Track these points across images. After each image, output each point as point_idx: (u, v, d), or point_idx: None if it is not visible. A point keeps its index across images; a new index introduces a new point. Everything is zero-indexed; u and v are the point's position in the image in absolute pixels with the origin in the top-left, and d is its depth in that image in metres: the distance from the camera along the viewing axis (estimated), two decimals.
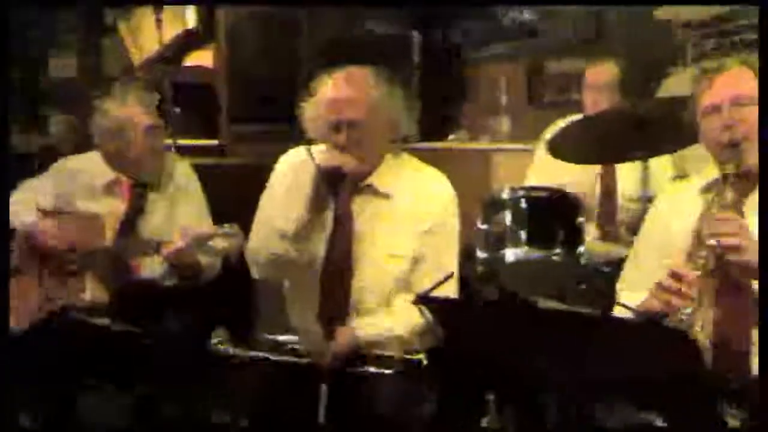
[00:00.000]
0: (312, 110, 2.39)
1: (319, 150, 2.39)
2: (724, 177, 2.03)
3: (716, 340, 1.96)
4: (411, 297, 2.31)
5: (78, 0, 4.54)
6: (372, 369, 2.29)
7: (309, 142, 2.39)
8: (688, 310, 1.90)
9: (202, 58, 4.78)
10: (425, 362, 2.30)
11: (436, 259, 2.40)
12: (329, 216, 2.37)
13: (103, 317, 2.40)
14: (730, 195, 2.00)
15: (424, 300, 1.85)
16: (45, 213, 2.86)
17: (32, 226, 2.76)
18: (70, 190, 2.94)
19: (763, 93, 2.00)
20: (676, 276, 1.94)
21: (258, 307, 3.18)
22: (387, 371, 2.28)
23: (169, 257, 2.67)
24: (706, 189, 2.11)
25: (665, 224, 2.17)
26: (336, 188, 2.30)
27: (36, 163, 3.41)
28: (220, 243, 2.58)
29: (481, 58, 4.34)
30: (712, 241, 1.93)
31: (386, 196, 2.42)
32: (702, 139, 2.11)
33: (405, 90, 2.46)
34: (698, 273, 1.93)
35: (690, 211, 2.10)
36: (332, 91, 2.36)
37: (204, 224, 2.89)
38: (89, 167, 2.98)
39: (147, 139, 2.87)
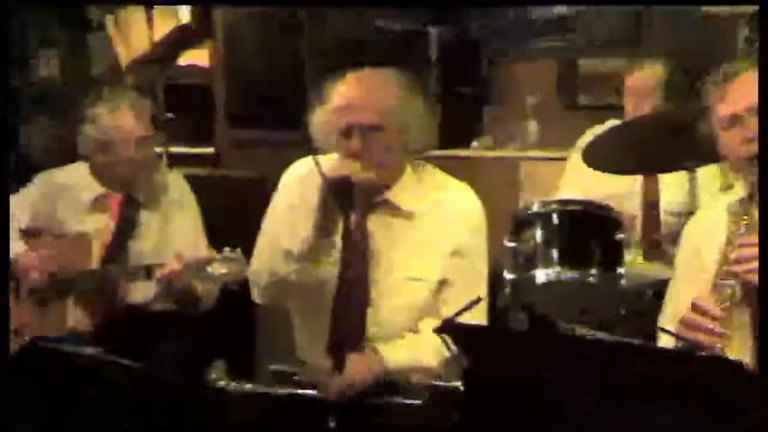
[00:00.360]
0: (321, 115, 2.40)
1: (329, 159, 2.39)
2: (750, 195, 2.00)
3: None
4: (438, 322, 2.34)
5: None
6: (396, 399, 2.28)
7: (317, 151, 2.39)
8: (718, 348, 1.86)
9: (197, 57, 4.79)
10: (461, 389, 2.29)
11: (464, 283, 2.41)
12: (340, 235, 2.36)
13: (87, 347, 2.41)
14: (756, 214, 1.96)
15: (447, 327, 1.84)
16: (26, 234, 2.87)
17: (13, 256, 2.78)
18: (53, 207, 2.97)
19: (763, 93, 2.01)
20: (699, 310, 1.91)
21: (260, 335, 3.19)
22: (414, 402, 2.27)
23: (163, 280, 2.67)
24: (734, 208, 2.07)
25: (695, 248, 2.15)
26: (346, 202, 2.28)
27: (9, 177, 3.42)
28: (219, 269, 2.59)
29: (507, 57, 4.33)
30: (737, 268, 1.90)
31: (406, 214, 2.43)
32: (723, 153, 2.09)
33: (423, 93, 2.47)
34: (726, 304, 1.90)
35: (718, 234, 2.07)
36: (343, 93, 2.36)
37: (200, 244, 2.91)
38: (75, 181, 3.00)
39: (139, 151, 2.88)
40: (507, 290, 2.71)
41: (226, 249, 2.63)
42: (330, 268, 2.36)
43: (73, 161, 3.05)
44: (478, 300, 2.17)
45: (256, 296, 2.50)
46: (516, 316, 2.69)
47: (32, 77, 4.66)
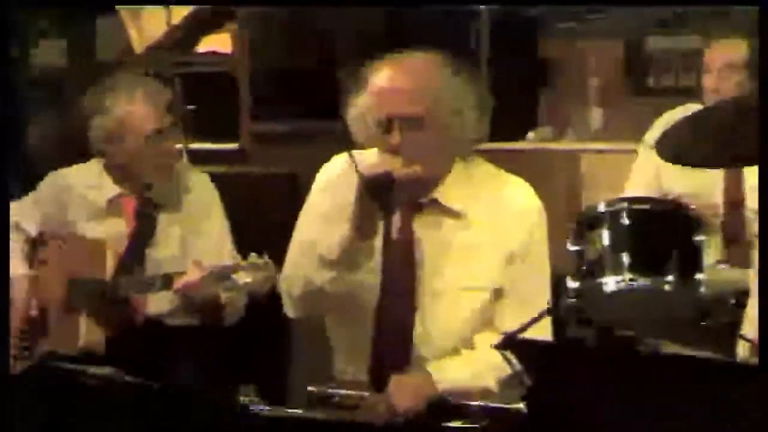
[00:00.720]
0: (357, 105, 2.40)
1: (367, 155, 2.39)
2: None
3: None
4: (495, 336, 2.31)
5: None
6: (451, 424, 2.26)
7: (353, 145, 2.38)
8: None
9: (218, 42, 4.81)
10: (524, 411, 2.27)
11: (523, 292, 2.40)
12: (382, 239, 2.35)
13: (100, 365, 2.42)
14: None
15: (509, 343, 1.82)
16: (35, 244, 2.89)
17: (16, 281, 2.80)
18: (64, 210, 2.99)
19: (763, 93, 2.05)
20: None
21: (293, 352, 3.19)
22: (471, 426, 2.26)
23: (181, 292, 2.68)
24: None
25: None
26: (387, 202, 2.27)
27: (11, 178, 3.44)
28: (244, 278, 2.60)
29: (567, 35, 4.30)
30: None
31: (457, 214, 2.42)
32: None
33: (473, 78, 2.45)
34: None
35: None
36: (384, 80, 2.35)
37: (225, 250, 2.92)
38: (87, 181, 3.02)
39: (155, 146, 2.88)
40: (570, 300, 2.68)
41: (253, 255, 2.63)
42: (371, 277, 2.35)
43: (85, 159, 3.06)
44: (547, 312, 2.14)
45: (288, 308, 2.49)
46: (581, 329, 2.68)
47: (35, 65, 4.71)
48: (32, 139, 4.36)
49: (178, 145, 3.24)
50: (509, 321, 2.36)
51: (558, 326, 2.64)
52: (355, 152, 2.34)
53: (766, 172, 2.01)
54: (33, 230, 2.98)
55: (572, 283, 2.75)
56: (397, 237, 2.38)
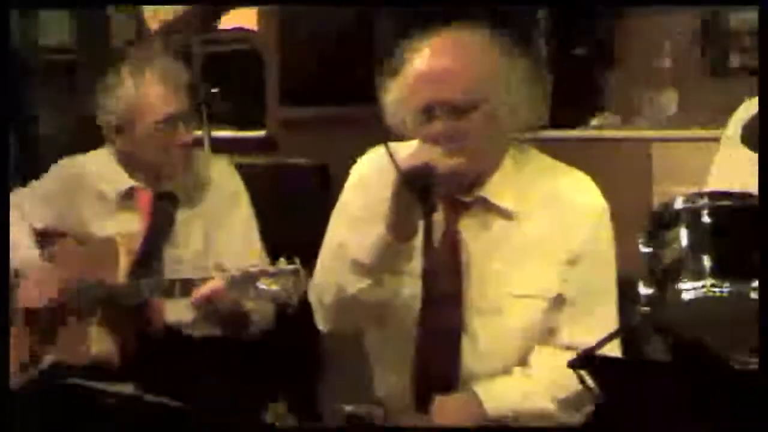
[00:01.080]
0: (395, 90, 2.38)
1: (407, 146, 2.37)
2: None
3: None
4: (554, 351, 2.33)
5: None
6: None
7: (390, 136, 2.36)
8: None
9: (244, 17, 4.82)
10: None
11: (587, 299, 2.38)
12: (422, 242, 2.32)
13: (111, 381, 2.42)
14: None
15: (585, 362, 1.82)
16: (41, 237, 2.90)
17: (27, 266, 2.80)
18: (73, 203, 3.01)
19: (763, 92, 2.08)
20: None
21: (327, 367, 3.18)
22: None
23: (200, 303, 2.68)
24: None
25: None
26: (427, 199, 2.24)
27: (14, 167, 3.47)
28: (272, 285, 2.60)
29: (635, 9, 4.26)
30: None
31: (507, 213, 2.41)
32: None
33: (528, 57, 2.43)
34: None
35: None
36: (426, 61, 2.33)
37: (253, 253, 2.93)
38: (98, 171, 3.03)
39: (167, 133, 2.88)
40: (643, 309, 2.65)
41: (282, 259, 2.62)
42: (411, 284, 2.34)
43: (96, 146, 3.07)
44: (619, 331, 2.11)
45: (319, 320, 2.48)
46: (655, 341, 2.64)
47: (40, 44, 4.74)
48: (40, 127, 4.38)
49: (197, 132, 3.26)
50: (571, 333, 2.36)
51: (628, 338, 2.62)
52: (392, 144, 2.31)
53: (766, 171, 1.97)
54: (38, 223, 3.00)
55: (645, 290, 2.72)
56: (440, 240, 2.37)
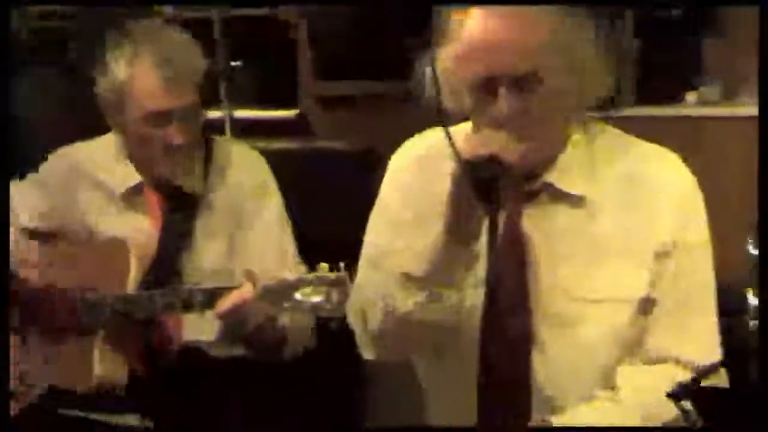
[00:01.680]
0: (448, 63, 2.34)
1: (462, 132, 2.34)
2: None
3: None
4: (644, 369, 2.34)
5: None
6: None
7: (442, 117, 2.35)
8: None
9: None
10: None
11: (680, 298, 2.37)
12: (490, 243, 2.31)
13: (116, 409, 2.44)
14: None
15: (687, 393, 1.83)
16: (36, 238, 2.96)
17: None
18: (74, 199, 3.03)
19: (764, 93, 2.18)
20: None
21: (373, 393, 3.19)
22: None
23: (227, 314, 2.69)
24: None
25: None
26: (494, 194, 2.20)
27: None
28: (312, 296, 2.61)
29: None
30: None
31: (578, 201, 2.39)
32: None
33: (600, 21, 2.39)
34: None
35: None
36: (482, 30, 2.30)
37: (286, 259, 2.95)
38: (102, 161, 3.06)
39: (156, 130, 2.88)
40: (751, 322, 2.63)
41: (323, 265, 2.63)
42: (472, 294, 2.31)
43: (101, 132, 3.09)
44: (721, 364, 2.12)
45: (362, 346, 2.46)
46: None
47: (34, 14, 4.78)
48: (33, 109, 4.42)
49: (219, 113, 3.22)
50: (662, 343, 2.35)
51: (735, 357, 2.60)
52: (449, 128, 2.29)
53: (766, 170, 2.01)
54: (31, 222, 3.04)
55: (754, 300, 2.70)
56: (501, 240, 2.31)
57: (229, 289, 2.72)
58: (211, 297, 2.74)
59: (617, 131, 2.46)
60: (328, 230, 3.14)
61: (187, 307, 2.80)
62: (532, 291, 2.36)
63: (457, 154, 2.22)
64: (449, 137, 2.22)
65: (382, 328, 2.39)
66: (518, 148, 2.25)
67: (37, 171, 3.12)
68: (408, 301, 2.33)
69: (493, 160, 2.20)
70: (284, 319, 2.81)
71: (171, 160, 2.92)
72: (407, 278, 2.32)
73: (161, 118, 2.88)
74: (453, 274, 2.31)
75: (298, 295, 2.64)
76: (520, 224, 2.38)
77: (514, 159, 2.22)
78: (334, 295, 2.62)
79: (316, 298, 2.62)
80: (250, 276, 2.70)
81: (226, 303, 2.71)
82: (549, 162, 2.38)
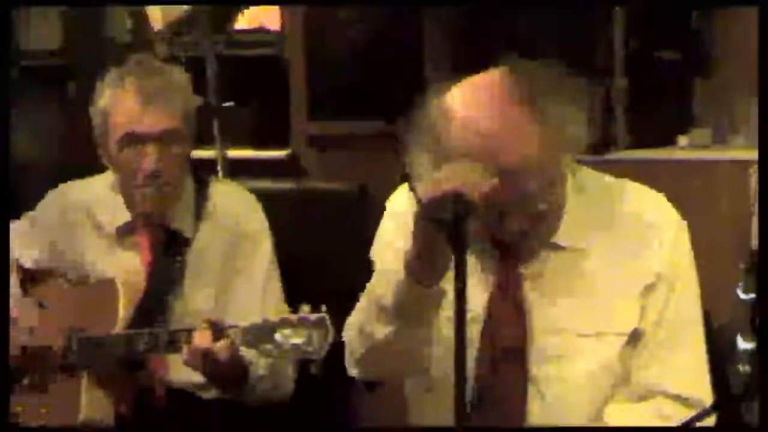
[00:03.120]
0: (427, 145, 2.33)
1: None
2: None
3: None
4: (632, 407, 2.35)
5: None
6: None
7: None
8: None
9: (265, 16, 4.84)
10: None
11: (667, 330, 2.38)
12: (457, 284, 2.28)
13: None
14: None
15: None
16: (29, 276, 2.93)
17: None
18: (71, 238, 3.02)
19: (763, 92, 2.24)
20: None
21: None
22: None
23: (190, 360, 2.68)
24: None
25: None
26: (460, 238, 2.12)
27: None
28: (293, 338, 2.59)
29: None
30: None
31: (572, 248, 2.41)
32: None
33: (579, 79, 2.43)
34: None
35: None
36: (466, 124, 2.28)
37: (270, 299, 2.93)
38: (98, 199, 3.05)
39: (132, 157, 2.87)
40: (742, 367, 2.62)
41: (305, 308, 2.61)
42: (450, 326, 2.24)
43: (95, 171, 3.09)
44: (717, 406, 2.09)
45: (348, 363, 2.47)
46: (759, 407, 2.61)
47: (24, 48, 4.77)
48: (26, 144, 4.40)
49: (211, 152, 3.18)
50: (650, 374, 2.36)
51: (726, 401, 2.58)
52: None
53: (766, 171, 2.09)
54: (28, 261, 3.02)
55: (746, 345, 2.69)
56: (497, 278, 2.38)
57: (189, 331, 2.70)
58: (174, 340, 2.72)
59: (599, 174, 2.48)
60: (317, 270, 3.12)
61: (153, 349, 2.77)
62: (527, 326, 2.37)
63: (417, 197, 2.20)
64: (411, 184, 2.25)
65: (361, 352, 2.41)
66: (489, 181, 2.19)
67: (36, 209, 3.12)
68: (382, 330, 2.33)
69: (455, 196, 2.14)
70: (260, 362, 2.78)
71: (151, 190, 2.90)
72: (381, 308, 2.32)
73: (137, 140, 2.87)
74: (418, 312, 2.30)
75: (278, 337, 2.61)
76: (517, 271, 2.39)
77: (479, 194, 2.17)
78: (315, 337, 2.59)
79: (297, 340, 2.60)
80: (209, 324, 2.68)
81: (191, 346, 2.68)
82: (552, 220, 2.38)
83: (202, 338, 2.66)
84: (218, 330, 2.66)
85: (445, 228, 2.13)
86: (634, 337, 2.37)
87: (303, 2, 4.55)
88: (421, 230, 2.20)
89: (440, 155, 2.28)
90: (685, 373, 2.37)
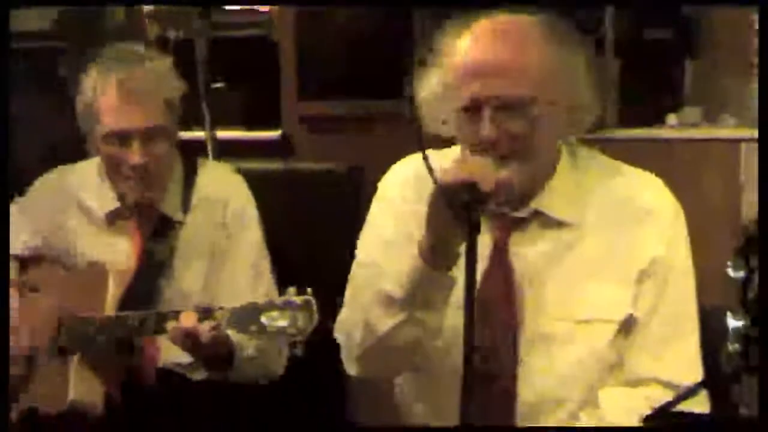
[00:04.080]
0: (434, 85, 2.36)
1: (446, 154, 2.36)
2: None
3: None
4: (626, 391, 2.34)
5: None
6: None
7: (424, 141, 2.31)
8: None
9: None
10: None
11: (662, 319, 2.37)
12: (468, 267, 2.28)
13: None
14: None
15: (663, 419, 1.82)
16: (23, 262, 2.92)
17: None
18: (62, 223, 3.01)
19: (764, 93, 2.21)
20: None
21: (357, 419, 3.15)
22: None
23: (175, 339, 2.67)
24: None
25: None
26: (472, 219, 2.17)
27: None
28: (278, 320, 2.57)
29: None
30: None
31: (566, 226, 2.39)
32: None
33: (590, 49, 2.42)
34: None
35: None
36: (471, 51, 2.31)
37: (260, 290, 2.91)
38: (87, 184, 3.04)
39: (119, 151, 2.87)
40: (732, 347, 2.60)
41: (291, 289, 2.60)
42: (455, 317, 2.27)
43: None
44: (704, 384, 2.13)
45: (346, 363, 2.46)
46: (748, 387, 2.59)
47: (16, 30, 4.74)
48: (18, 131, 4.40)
49: (202, 133, 3.16)
50: (644, 362, 2.35)
51: (716, 381, 2.57)
52: (431, 152, 2.25)
53: (766, 170, 2.06)
54: (20, 248, 3.01)
55: (735, 323, 2.67)
56: (488, 263, 2.36)
57: (176, 313, 2.69)
58: (161, 321, 2.71)
59: (601, 155, 2.48)
60: (309, 252, 3.11)
61: (140, 331, 2.77)
62: (520, 313, 2.36)
63: (434, 179, 2.21)
64: (427, 162, 2.21)
65: (363, 348, 2.40)
66: (500, 174, 2.24)
67: (26, 195, 3.12)
68: (388, 322, 2.33)
69: (471, 185, 2.18)
70: (252, 344, 2.77)
71: (137, 182, 2.90)
72: (387, 299, 2.32)
73: (122, 138, 2.87)
74: (431, 297, 2.31)
75: (264, 319, 2.59)
76: (507, 249, 2.38)
77: (491, 186, 2.20)
78: (300, 320, 2.57)
79: (282, 322, 2.58)
80: (195, 310, 2.67)
81: (177, 326, 2.67)
82: (537, 187, 2.38)
83: (187, 318, 2.66)
84: (205, 312, 2.66)
85: (459, 210, 2.16)
86: (627, 325, 2.36)
87: (296, 3, 4.53)
88: (438, 213, 2.22)
89: (449, 77, 2.31)
90: (679, 363, 2.36)
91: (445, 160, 2.29)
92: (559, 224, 2.39)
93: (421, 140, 2.24)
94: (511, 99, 2.27)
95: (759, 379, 2.05)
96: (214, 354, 2.75)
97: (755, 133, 3.96)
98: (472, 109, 2.28)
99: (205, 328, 2.64)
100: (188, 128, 3.53)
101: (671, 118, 4.19)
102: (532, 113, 2.28)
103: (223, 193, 3.03)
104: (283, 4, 4.61)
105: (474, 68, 2.29)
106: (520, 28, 2.33)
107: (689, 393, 1.96)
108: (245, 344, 2.79)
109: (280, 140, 4.63)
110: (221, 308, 2.67)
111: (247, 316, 2.62)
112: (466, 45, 2.32)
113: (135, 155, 2.87)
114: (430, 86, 2.37)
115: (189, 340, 2.67)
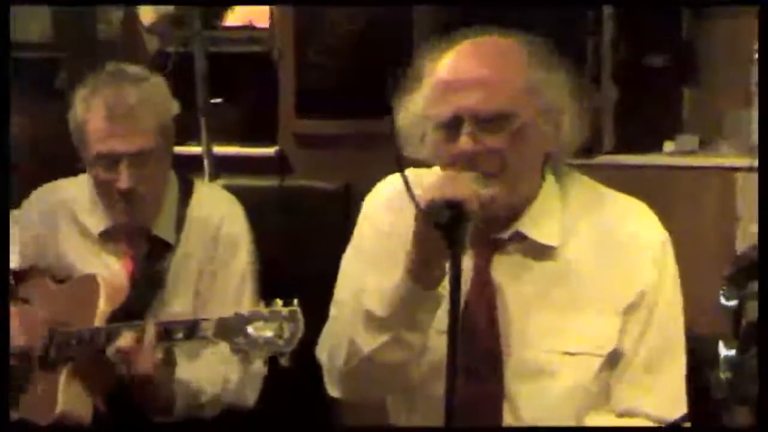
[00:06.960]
0: (416, 103, 2.35)
1: (428, 174, 2.35)
2: None
3: None
4: (611, 419, 2.33)
5: None
6: None
7: (400, 163, 2.29)
8: None
9: (254, 13, 4.82)
10: None
11: (649, 351, 2.35)
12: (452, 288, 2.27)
13: None
14: None
15: None
16: (16, 274, 2.94)
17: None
18: (55, 234, 3.01)
19: (764, 93, 2.24)
20: None
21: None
22: None
23: (116, 357, 2.69)
24: None
25: None
26: (456, 238, 2.15)
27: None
28: (266, 330, 2.58)
29: (722, 9, 4.22)
30: None
31: (550, 251, 2.37)
32: None
33: (572, 71, 2.39)
34: None
35: None
36: (451, 68, 2.30)
37: (244, 296, 2.93)
38: (82, 199, 3.04)
39: (106, 173, 2.86)
40: (724, 375, 2.61)
41: (278, 301, 2.61)
42: (437, 339, 2.27)
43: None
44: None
45: (329, 385, 2.44)
46: (739, 414, 2.60)
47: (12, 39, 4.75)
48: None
49: (198, 148, 3.13)
50: (630, 396, 2.34)
51: (706, 407, 2.57)
52: (411, 171, 2.25)
53: (766, 171, 2.09)
54: (14, 261, 3.01)
55: (727, 351, 2.68)
56: (470, 288, 2.34)
57: (131, 327, 2.71)
58: (111, 336, 2.74)
59: (591, 181, 2.46)
60: (302, 267, 3.11)
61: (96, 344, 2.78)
62: (503, 342, 2.35)
63: (414, 198, 2.18)
64: (406, 182, 2.18)
65: (346, 368, 2.37)
66: (483, 192, 2.23)
67: (21, 209, 3.12)
68: (372, 342, 2.31)
69: (454, 203, 2.16)
70: (232, 375, 2.81)
71: (127, 205, 2.90)
72: (372, 318, 2.30)
73: (109, 161, 2.86)
74: (416, 316, 2.29)
75: (250, 330, 2.60)
76: (489, 273, 2.36)
77: (475, 204, 2.18)
78: (287, 330, 2.58)
79: (268, 333, 2.58)
80: (156, 324, 2.70)
81: (119, 343, 2.70)
82: (520, 209, 2.36)
83: (125, 338, 2.69)
84: (162, 330, 2.68)
85: (444, 230, 2.14)
86: (613, 357, 2.35)
87: (295, 2, 4.54)
88: (421, 233, 2.21)
89: (429, 94, 2.31)
90: (665, 397, 2.35)
91: (428, 178, 2.28)
92: (543, 249, 2.36)
93: (400, 159, 2.22)
94: (490, 113, 2.26)
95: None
96: (144, 382, 2.74)
97: (753, 162, 3.99)
98: (452, 125, 2.27)
99: (140, 349, 2.66)
100: (184, 143, 3.54)
101: (668, 145, 4.19)
102: (511, 128, 2.27)
103: (217, 217, 3.03)
104: (283, 4, 4.60)
105: (454, 83, 2.28)
106: (501, 47, 2.34)
107: (674, 428, 1.95)
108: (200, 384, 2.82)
109: (276, 157, 4.62)
110: (206, 320, 2.67)
111: (233, 326, 2.62)
112: (447, 62, 2.31)
113: (123, 180, 2.86)
114: (411, 107, 2.35)
115: (119, 358, 2.69)
